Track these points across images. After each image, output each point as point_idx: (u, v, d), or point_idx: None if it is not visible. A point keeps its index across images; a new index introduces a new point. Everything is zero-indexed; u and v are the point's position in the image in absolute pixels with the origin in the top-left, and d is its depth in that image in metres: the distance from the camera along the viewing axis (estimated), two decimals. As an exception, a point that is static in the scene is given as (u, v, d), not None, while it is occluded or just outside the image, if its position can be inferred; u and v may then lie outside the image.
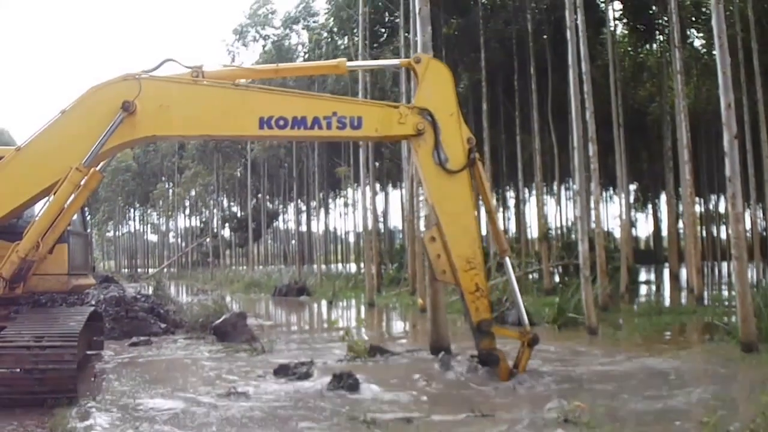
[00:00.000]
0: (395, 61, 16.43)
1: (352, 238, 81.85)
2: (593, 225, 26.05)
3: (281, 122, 13.39)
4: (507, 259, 15.15)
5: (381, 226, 56.02)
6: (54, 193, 12.83)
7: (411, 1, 20.60)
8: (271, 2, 65.13)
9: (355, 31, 39.30)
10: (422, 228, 16.28)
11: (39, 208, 13.55)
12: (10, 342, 11.55)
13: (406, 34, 34.79)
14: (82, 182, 13.05)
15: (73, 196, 13.10)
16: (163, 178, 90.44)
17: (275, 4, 71.07)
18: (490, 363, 13.76)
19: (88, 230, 17.26)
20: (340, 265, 79.41)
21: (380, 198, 65.46)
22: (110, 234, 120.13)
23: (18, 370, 11.38)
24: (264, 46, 63.34)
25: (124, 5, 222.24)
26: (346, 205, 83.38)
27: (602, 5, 37.77)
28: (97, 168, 13.88)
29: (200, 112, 13.51)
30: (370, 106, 14.86)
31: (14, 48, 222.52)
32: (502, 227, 14.48)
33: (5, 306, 13.64)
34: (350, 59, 40.11)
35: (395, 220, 75.27)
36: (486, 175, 14.43)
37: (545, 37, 38.49)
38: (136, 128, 13.19)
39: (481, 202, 15.22)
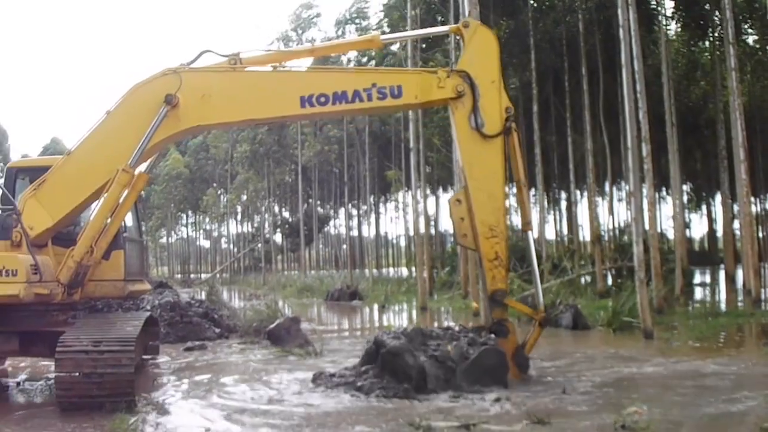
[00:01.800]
0: (443, 28, 16.37)
1: (403, 242, 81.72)
2: (647, 226, 25.76)
3: (322, 99, 13.56)
4: (529, 234, 15.07)
5: (432, 229, 55.87)
6: (103, 196, 13.08)
7: (460, 3, 20.50)
8: (314, 5, 65.49)
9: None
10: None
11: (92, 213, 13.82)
12: (69, 347, 11.71)
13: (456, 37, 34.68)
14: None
15: (124, 194, 13.35)
16: (215, 185, 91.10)
17: (319, 7, 71.38)
18: (499, 334, 13.72)
19: (143, 237, 17.46)
20: (391, 270, 79.39)
21: (431, 201, 65.37)
22: (163, 240, 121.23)
23: (77, 374, 11.53)
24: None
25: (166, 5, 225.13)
26: (396, 209, 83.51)
27: (654, 3, 37.43)
28: (145, 165, 14.19)
29: (241, 97, 13.75)
30: (408, 74, 14.96)
31: (61, 55, 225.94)
32: (529, 202, 14.57)
33: (63, 311, 13.80)
34: (401, 63, 40.19)
35: (446, 224, 75.08)
36: (520, 148, 14.42)
37: (596, 36, 38.16)
38: (181, 120, 13.46)
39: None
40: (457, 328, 14.86)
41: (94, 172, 13.30)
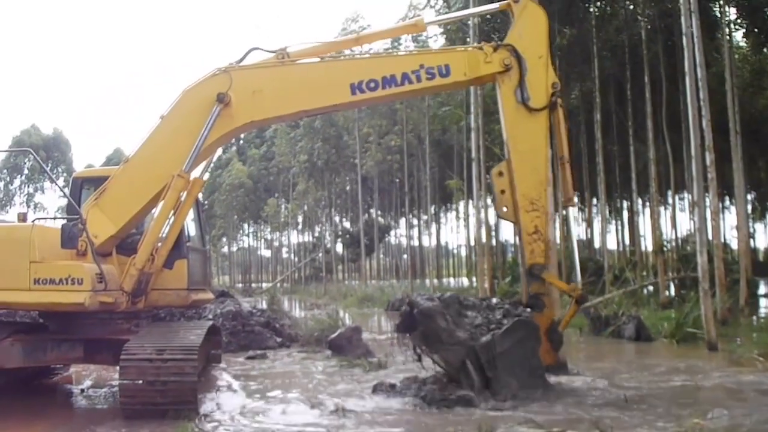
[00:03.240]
0: (492, 6, 16.39)
1: (463, 252, 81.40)
2: (710, 236, 25.38)
3: (372, 84, 13.75)
4: (570, 210, 15.15)
5: (493, 239, 55.67)
6: (161, 202, 13.33)
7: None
8: (359, 18, 65.50)
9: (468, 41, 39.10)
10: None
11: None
12: (133, 354, 11.87)
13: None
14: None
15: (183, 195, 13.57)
16: (276, 194, 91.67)
17: (365, 19, 71.28)
18: (534, 307, 13.82)
19: (207, 246, 17.65)
20: (452, 279, 79.16)
21: (492, 211, 65.11)
22: (225, 249, 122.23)
23: (140, 381, 11.69)
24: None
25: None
26: (457, 218, 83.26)
27: (717, 11, 36.91)
28: (201, 168, 14.39)
29: (292, 90, 13.97)
30: (455, 52, 15.06)
31: (123, 65, 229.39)
32: (571, 178, 14.77)
33: (127, 320, 14.03)
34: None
35: (507, 234, 74.62)
36: (565, 123, 14.48)
37: (659, 44, 37.71)
38: (234, 118, 13.72)
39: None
40: (494, 301, 14.93)
41: (152, 178, 13.57)
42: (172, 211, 13.50)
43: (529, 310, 13.82)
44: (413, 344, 14.14)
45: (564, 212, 14.90)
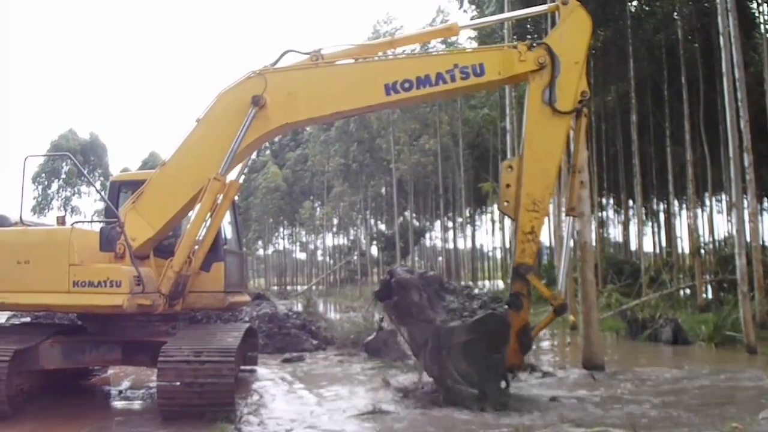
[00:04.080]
0: (540, 8, 16.25)
1: (498, 255, 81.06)
2: (749, 238, 25.10)
3: (406, 85, 13.70)
4: (570, 219, 15.03)
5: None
6: (197, 205, 13.41)
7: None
8: (393, 19, 65.40)
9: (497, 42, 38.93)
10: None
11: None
12: (171, 356, 11.95)
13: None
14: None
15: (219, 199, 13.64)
16: (311, 197, 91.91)
17: (398, 20, 71.17)
18: (512, 306, 13.77)
19: (243, 249, 17.72)
20: (486, 282, 78.92)
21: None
22: (260, 252, 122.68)
23: (178, 383, 11.76)
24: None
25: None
26: (492, 221, 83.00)
27: (755, 9, 36.55)
28: (237, 171, 14.49)
29: (327, 91, 13.93)
30: (489, 51, 14.97)
31: (157, 68, 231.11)
32: (579, 189, 14.76)
33: (165, 322, 14.12)
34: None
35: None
36: (585, 134, 14.44)
37: (696, 44, 37.41)
38: (270, 120, 13.73)
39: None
40: (476, 291, 15.00)
41: (188, 181, 13.62)
42: (209, 214, 13.55)
43: (506, 306, 13.80)
44: (386, 312, 14.53)
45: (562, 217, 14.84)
